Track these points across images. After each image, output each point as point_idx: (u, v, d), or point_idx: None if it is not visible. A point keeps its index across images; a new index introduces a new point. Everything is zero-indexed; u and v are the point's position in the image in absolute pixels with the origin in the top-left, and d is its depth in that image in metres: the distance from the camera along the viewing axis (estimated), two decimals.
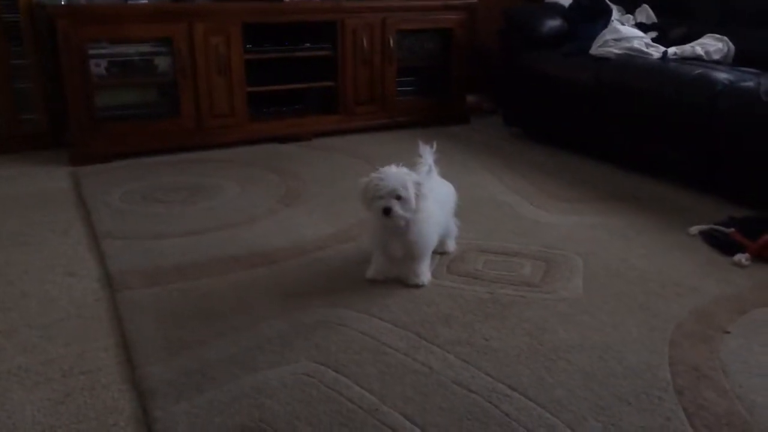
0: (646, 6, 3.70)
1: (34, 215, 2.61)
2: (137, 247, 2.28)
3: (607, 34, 3.37)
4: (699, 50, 3.16)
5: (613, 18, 3.60)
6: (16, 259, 2.23)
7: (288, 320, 1.80)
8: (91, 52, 3.21)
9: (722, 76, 2.77)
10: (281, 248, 2.28)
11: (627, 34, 3.33)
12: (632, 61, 3.14)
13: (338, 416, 1.43)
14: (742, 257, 2.17)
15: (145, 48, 3.36)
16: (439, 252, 2.18)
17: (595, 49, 3.35)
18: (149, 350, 1.66)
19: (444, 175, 2.18)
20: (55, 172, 3.16)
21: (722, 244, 2.27)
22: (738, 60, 3.14)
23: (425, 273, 2.01)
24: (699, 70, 2.84)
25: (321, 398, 1.48)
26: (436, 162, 2.10)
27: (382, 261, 2.02)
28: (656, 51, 3.20)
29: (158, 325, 1.78)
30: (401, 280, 2.01)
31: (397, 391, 1.51)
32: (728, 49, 3.18)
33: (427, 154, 2.08)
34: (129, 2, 3.41)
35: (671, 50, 3.17)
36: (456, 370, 1.59)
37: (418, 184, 1.91)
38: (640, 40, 3.28)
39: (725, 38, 3.19)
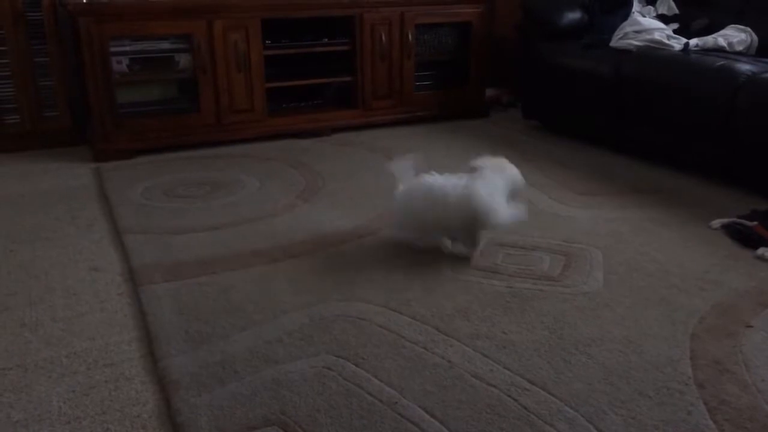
0: None
1: (57, 211, 2.65)
2: (159, 242, 2.31)
3: (627, 26, 3.34)
4: (721, 41, 3.11)
5: (633, 9, 3.56)
6: (40, 254, 2.27)
7: (308, 314, 1.81)
8: (113, 49, 3.25)
9: (745, 67, 2.73)
10: (301, 242, 2.30)
11: (648, 25, 3.29)
12: (653, 53, 3.11)
13: (358, 409, 1.44)
14: (765, 251, 2.14)
15: (166, 44, 3.39)
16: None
17: (616, 41, 3.32)
18: (172, 343, 1.68)
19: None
20: (77, 169, 3.20)
21: (745, 238, 2.25)
22: (762, 51, 3.09)
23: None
24: (721, 62, 2.81)
25: (341, 391, 1.49)
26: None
27: None
28: (677, 43, 3.16)
29: (180, 318, 1.80)
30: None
31: (416, 385, 1.51)
32: (751, 40, 3.13)
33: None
34: None
35: (693, 42, 3.14)
36: (475, 363, 1.59)
37: None
38: (661, 32, 3.24)
39: (748, 29, 3.15)
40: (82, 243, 2.35)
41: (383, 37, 3.79)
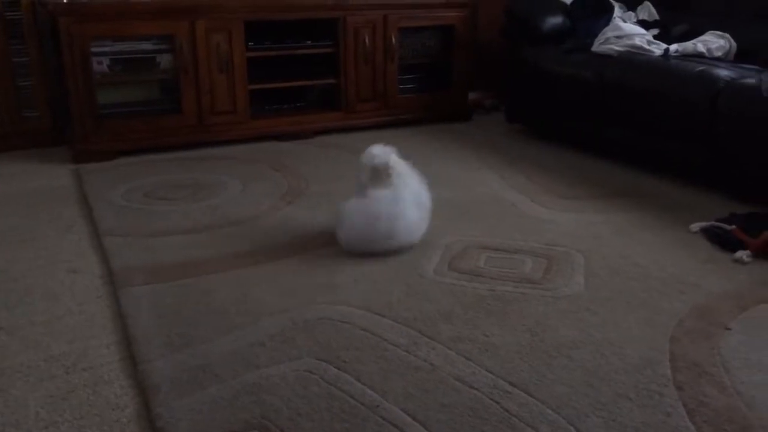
0: (647, 3, 3.69)
1: (36, 213, 2.62)
2: (139, 244, 2.29)
3: (608, 31, 3.37)
4: (701, 47, 3.15)
5: (615, 15, 3.60)
6: (19, 256, 2.24)
7: (290, 317, 1.81)
8: (93, 49, 3.22)
9: (724, 73, 2.77)
10: (283, 245, 2.29)
11: (629, 31, 3.32)
12: (634, 58, 3.14)
13: (340, 412, 1.43)
14: (743, 254, 2.17)
15: (147, 45, 3.36)
16: None
17: (597, 46, 3.35)
18: (152, 347, 1.67)
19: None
20: (57, 170, 3.17)
21: (723, 241, 2.27)
22: (740, 57, 3.13)
23: None
24: (701, 67, 2.84)
25: (322, 394, 1.49)
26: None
27: None
28: (658, 48, 3.19)
29: (160, 321, 1.79)
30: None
31: (398, 388, 1.51)
32: (730, 46, 3.17)
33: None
34: (131, 0, 3.41)
35: (673, 47, 3.17)
36: (457, 366, 1.59)
37: None
38: (641, 37, 3.27)
39: (727, 35, 3.19)
40: (61, 245, 2.33)
41: (366, 40, 3.79)
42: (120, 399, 1.50)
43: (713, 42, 3.17)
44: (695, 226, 2.41)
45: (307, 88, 3.88)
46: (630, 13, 3.71)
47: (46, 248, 2.30)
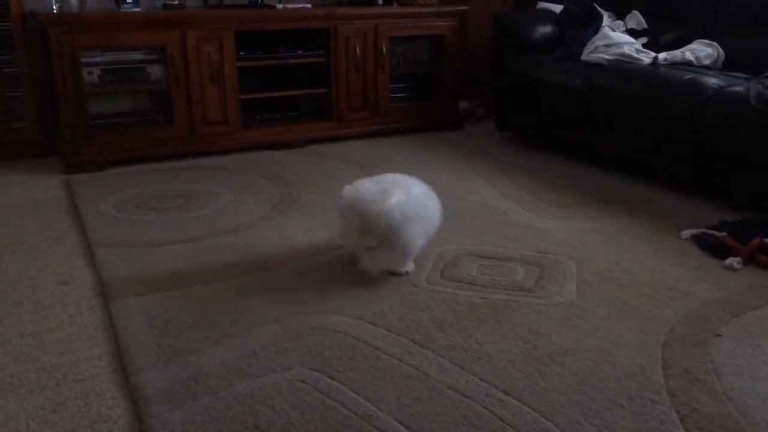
0: (636, 12, 3.72)
1: (26, 224, 2.61)
2: (131, 255, 2.28)
3: (597, 40, 3.39)
4: (689, 55, 3.18)
5: (603, 24, 3.62)
6: (8, 267, 2.22)
7: (282, 327, 1.80)
8: (84, 59, 3.21)
9: (712, 81, 2.79)
10: (275, 255, 2.28)
11: (618, 40, 3.35)
12: (623, 67, 3.16)
13: (333, 422, 1.43)
14: (733, 261, 2.18)
15: (138, 56, 3.36)
16: None
17: (586, 55, 3.38)
18: (143, 358, 1.66)
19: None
20: (47, 181, 3.15)
21: (714, 248, 2.29)
22: (727, 65, 3.16)
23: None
24: (689, 76, 2.87)
25: (315, 405, 1.48)
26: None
27: None
28: (646, 57, 3.22)
29: (152, 332, 1.78)
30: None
31: (391, 397, 1.51)
32: (718, 55, 3.20)
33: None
34: (122, 10, 3.41)
35: (661, 56, 3.20)
36: (450, 375, 1.59)
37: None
38: (630, 46, 3.30)
39: (715, 43, 3.22)
40: (52, 256, 2.31)
41: (357, 50, 3.80)
42: (112, 411, 1.49)
43: (701, 50, 3.20)
44: (686, 233, 2.42)
45: (298, 98, 3.89)
46: (619, 22, 3.74)
47: (36, 259, 2.29)
